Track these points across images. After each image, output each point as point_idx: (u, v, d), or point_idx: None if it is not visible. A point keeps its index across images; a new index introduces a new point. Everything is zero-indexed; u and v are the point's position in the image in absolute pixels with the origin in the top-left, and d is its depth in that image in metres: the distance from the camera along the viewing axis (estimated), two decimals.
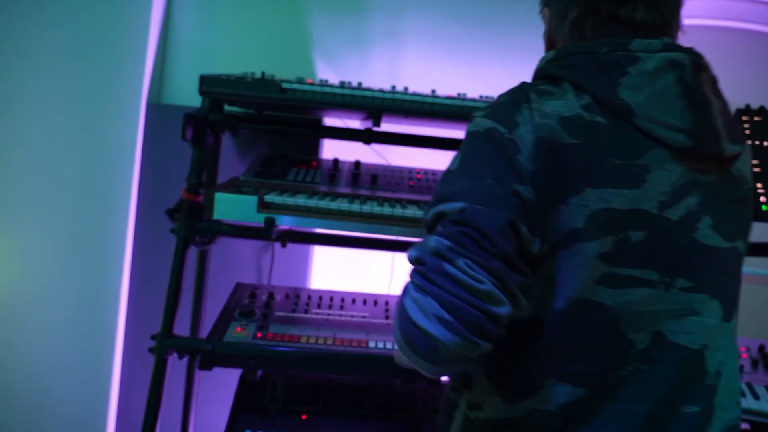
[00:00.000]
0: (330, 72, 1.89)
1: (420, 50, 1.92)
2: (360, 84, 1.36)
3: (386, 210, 1.26)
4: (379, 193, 1.48)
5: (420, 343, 0.62)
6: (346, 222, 1.26)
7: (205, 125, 1.42)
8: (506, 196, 0.66)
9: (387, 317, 1.38)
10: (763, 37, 2.23)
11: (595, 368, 0.69)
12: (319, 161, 1.66)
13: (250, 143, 1.83)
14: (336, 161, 1.63)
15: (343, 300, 1.44)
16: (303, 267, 1.85)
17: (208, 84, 1.33)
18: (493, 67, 1.93)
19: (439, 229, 0.67)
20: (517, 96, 0.73)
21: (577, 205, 0.68)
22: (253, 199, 1.25)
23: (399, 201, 1.39)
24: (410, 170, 1.66)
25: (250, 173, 1.51)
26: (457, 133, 1.65)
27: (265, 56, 1.91)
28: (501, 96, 0.77)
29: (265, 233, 1.26)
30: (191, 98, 1.84)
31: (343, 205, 1.26)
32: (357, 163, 1.63)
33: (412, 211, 1.26)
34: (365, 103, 1.33)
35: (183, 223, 1.38)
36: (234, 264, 1.79)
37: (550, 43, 0.87)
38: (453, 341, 0.61)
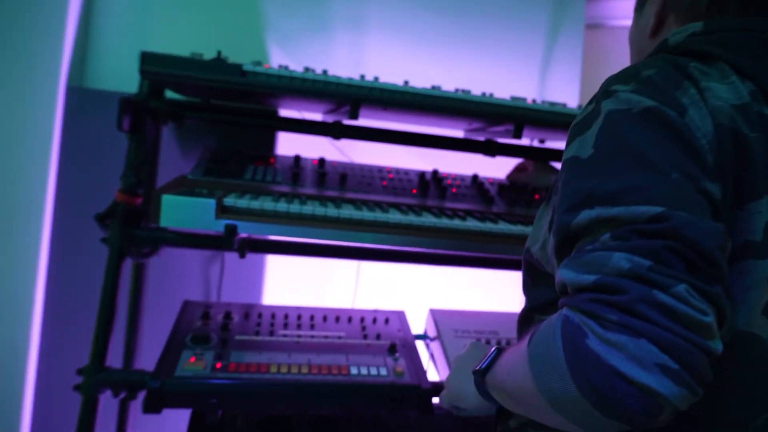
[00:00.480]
0: (286, 59, 1.68)
1: (386, 38, 1.76)
2: (325, 72, 1.19)
3: (385, 217, 1.10)
4: (350, 195, 1.31)
5: (632, 404, 0.45)
6: (324, 230, 1.08)
7: (146, 113, 1.19)
8: (697, 198, 0.52)
9: (365, 336, 1.21)
10: None
11: (743, 413, 0.57)
12: (278, 158, 1.46)
13: (192, 136, 1.59)
14: (298, 158, 1.44)
15: (312, 317, 1.25)
16: (255, 280, 1.64)
17: (151, 63, 1.09)
18: (463, 58, 1.81)
19: (611, 242, 0.51)
20: (671, 71, 0.60)
21: (754, 213, 0.55)
22: (210, 203, 1.04)
23: (379, 204, 1.23)
24: (380, 169, 1.50)
25: (198, 171, 1.28)
26: (431, 129, 1.51)
27: (208, 37, 1.68)
28: (640, 70, 0.63)
29: (225, 242, 1.06)
30: (121, 82, 1.58)
31: (329, 211, 1.08)
32: (321, 161, 1.44)
33: (421, 218, 1.11)
34: (343, 91, 1.16)
35: (118, 231, 1.14)
36: (175, 278, 1.55)
37: (660, 20, 0.75)
38: (680, 396, 0.45)
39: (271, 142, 1.61)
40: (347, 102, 1.18)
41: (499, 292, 1.88)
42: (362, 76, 1.25)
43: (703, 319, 0.46)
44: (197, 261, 1.57)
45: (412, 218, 1.11)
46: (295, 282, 1.71)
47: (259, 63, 1.24)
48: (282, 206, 1.08)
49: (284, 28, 1.69)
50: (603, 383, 0.46)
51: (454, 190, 1.44)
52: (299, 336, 1.17)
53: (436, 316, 1.31)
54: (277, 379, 1.02)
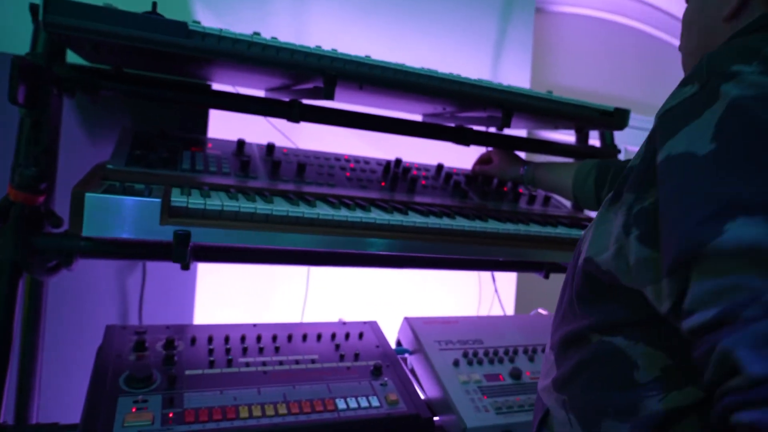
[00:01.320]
0: (214, 21, 1.41)
1: (330, 8, 1.54)
2: (275, 39, 0.97)
3: (387, 218, 0.92)
4: (313, 188, 1.10)
5: None
6: (302, 235, 0.88)
7: (48, 81, 0.89)
8: None
9: (342, 357, 1.03)
10: (644, 35, 2.33)
11: None
12: (215, 143, 1.21)
13: (98, 114, 1.28)
14: (242, 143, 1.20)
15: (275, 337, 1.04)
16: (185, 294, 1.36)
17: (59, 12, 0.80)
18: (413, 35, 1.64)
19: None
20: None
21: None
22: (153, 204, 0.79)
23: (366, 201, 1.04)
24: (337, 157, 1.31)
25: (120, 159, 1.00)
26: (385, 112, 1.34)
27: None
28: (760, 47, 0.52)
29: (176, 254, 0.81)
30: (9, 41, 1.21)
31: (315, 212, 0.87)
32: (270, 147, 1.21)
33: (427, 219, 0.93)
34: (323, 65, 0.95)
35: (12, 240, 0.84)
36: (79, 296, 1.23)
37: (745, 1, 0.63)
38: None
39: (200, 123, 1.34)
40: (319, 76, 0.97)
41: (456, 291, 1.77)
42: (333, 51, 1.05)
43: None
44: (109, 273, 1.26)
45: (416, 219, 0.94)
46: (230, 293, 1.46)
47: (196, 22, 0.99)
48: (248, 207, 0.85)
49: None
50: None
51: (423, 182, 1.29)
52: (265, 363, 0.95)
53: (415, 326, 1.15)
54: (250, 427, 0.81)
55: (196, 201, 0.83)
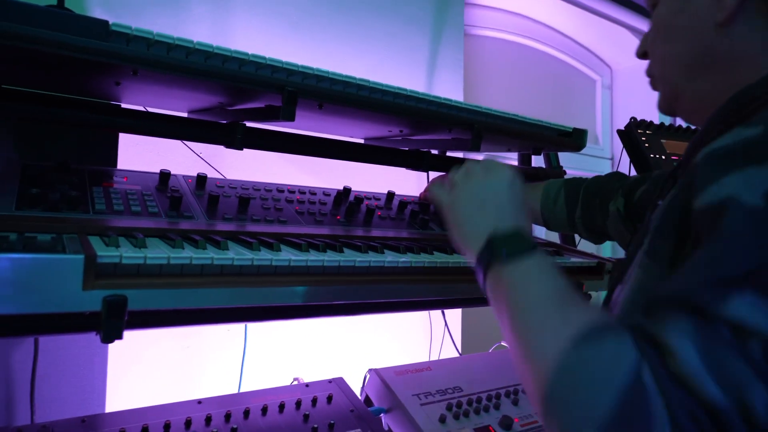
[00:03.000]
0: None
1: (254, 16, 1.38)
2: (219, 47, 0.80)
3: (381, 259, 0.77)
4: (265, 228, 0.92)
5: None
6: (277, 287, 0.70)
7: None
8: None
9: (314, 430, 0.85)
10: (552, 59, 2.40)
11: None
12: (131, 176, 0.98)
13: None
14: (166, 175, 0.98)
15: (228, 416, 0.83)
16: (90, 370, 1.07)
17: None
18: (345, 49, 1.52)
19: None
20: None
21: None
22: (74, 262, 0.58)
23: (331, 239, 0.87)
24: (279, 188, 1.13)
25: (7, 200, 0.75)
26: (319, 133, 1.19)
27: None
28: None
29: (107, 328, 0.60)
30: None
31: (294, 257, 0.70)
32: (201, 179, 1.01)
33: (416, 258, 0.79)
34: (283, 79, 0.78)
35: None
36: None
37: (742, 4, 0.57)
38: None
39: (107, 153, 1.10)
40: (274, 93, 0.81)
41: (401, 330, 1.64)
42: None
43: None
44: None
45: (407, 258, 0.80)
46: (149, 362, 1.20)
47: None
48: (201, 257, 0.66)
49: None
50: None
51: (379, 213, 1.16)
52: None
53: (387, 378, 1.01)
54: None
55: (132, 254, 0.62)
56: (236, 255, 0.69)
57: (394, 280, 0.82)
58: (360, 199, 1.15)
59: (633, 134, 1.37)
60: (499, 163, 0.69)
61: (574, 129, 1.19)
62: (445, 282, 0.87)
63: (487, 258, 0.57)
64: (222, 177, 1.23)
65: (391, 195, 1.26)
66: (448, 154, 1.24)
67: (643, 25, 2.26)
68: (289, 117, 0.81)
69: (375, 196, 1.26)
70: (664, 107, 0.70)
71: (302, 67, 0.82)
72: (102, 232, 0.73)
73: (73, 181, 0.87)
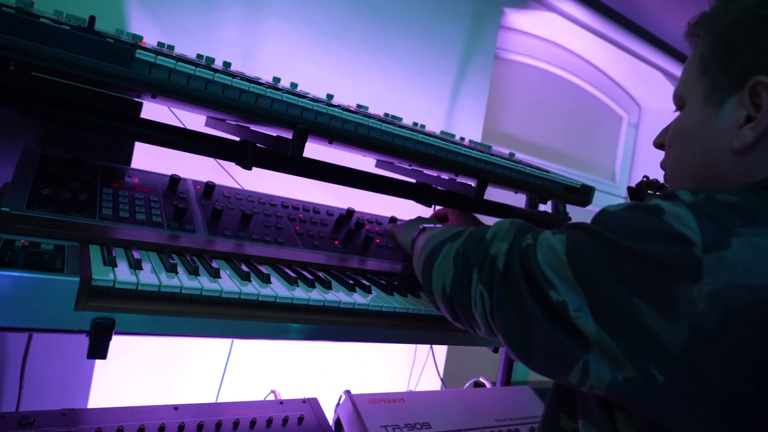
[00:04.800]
0: (153, 29, 1.21)
1: (284, 31, 1.39)
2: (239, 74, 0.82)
3: (378, 306, 0.80)
4: (261, 249, 0.95)
5: None
6: (258, 322, 0.73)
7: None
8: None
9: None
10: (580, 91, 2.38)
11: None
12: (142, 177, 1.02)
13: None
14: (175, 180, 1.01)
15: (201, 426, 0.87)
16: (78, 365, 1.11)
17: None
18: (369, 69, 1.53)
19: None
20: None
21: None
22: (70, 284, 0.61)
23: (322, 269, 0.90)
24: (284, 203, 1.16)
25: (20, 197, 0.79)
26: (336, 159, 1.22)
27: None
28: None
29: (94, 347, 0.63)
30: None
31: (280, 292, 0.73)
32: (209, 188, 1.04)
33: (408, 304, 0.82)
34: (284, 114, 0.81)
35: None
36: None
37: (759, 138, 0.59)
38: None
39: (125, 145, 1.13)
40: (288, 127, 0.83)
41: (387, 354, 1.67)
42: (277, 80, 0.90)
43: None
44: None
45: (382, 303, 0.83)
46: (135, 358, 1.24)
47: (136, 39, 0.82)
48: (191, 287, 0.69)
49: None
50: None
51: (377, 240, 1.18)
52: None
53: (359, 405, 1.04)
54: None
55: (125, 279, 0.65)
56: (224, 287, 0.72)
57: (376, 324, 0.85)
58: (361, 224, 1.18)
59: (642, 193, 1.37)
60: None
61: (582, 185, 1.19)
62: (425, 329, 0.90)
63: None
64: (233, 183, 1.27)
65: (393, 220, 1.29)
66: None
67: (677, 70, 2.23)
68: (298, 153, 0.83)
69: (378, 220, 1.28)
70: None
71: (317, 105, 0.84)
72: (104, 242, 0.77)
73: (86, 179, 0.91)
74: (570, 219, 1.44)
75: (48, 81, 0.80)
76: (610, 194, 2.49)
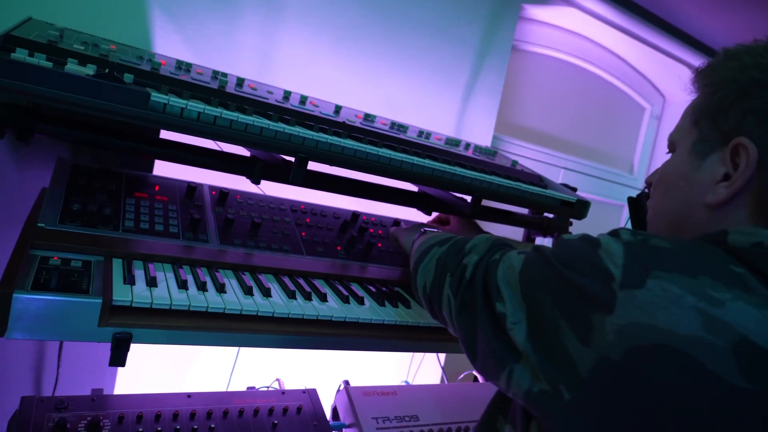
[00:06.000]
0: (174, 33, 1.28)
1: (300, 33, 1.44)
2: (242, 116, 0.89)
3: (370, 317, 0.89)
4: (267, 257, 1.04)
5: None
6: (258, 335, 0.83)
7: None
8: None
9: None
10: (601, 81, 2.36)
11: None
12: (162, 185, 1.11)
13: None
14: (192, 188, 1.11)
15: (210, 414, 0.99)
16: (105, 355, 1.24)
17: (9, 73, 0.69)
18: (384, 67, 1.58)
19: None
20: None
21: None
22: (93, 305, 0.71)
23: (321, 277, 0.99)
24: (293, 207, 1.24)
25: (53, 211, 0.90)
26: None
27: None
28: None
29: (115, 358, 0.74)
30: None
31: (278, 308, 0.82)
32: (223, 195, 1.13)
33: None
34: (287, 144, 0.88)
35: None
36: None
37: (733, 197, 0.63)
38: None
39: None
40: (290, 155, 0.91)
41: None
42: (290, 93, 0.97)
43: None
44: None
45: (373, 315, 0.92)
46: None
47: (152, 62, 0.90)
48: (199, 304, 0.79)
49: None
50: None
51: (379, 245, 1.26)
52: None
53: (354, 397, 1.14)
54: None
55: (141, 300, 0.75)
56: (228, 304, 0.82)
57: (368, 335, 0.94)
58: (364, 228, 1.26)
59: (641, 205, 1.39)
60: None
61: (578, 200, 1.24)
62: (413, 339, 0.98)
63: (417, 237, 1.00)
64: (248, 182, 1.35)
65: (396, 223, 1.36)
66: None
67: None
68: (299, 180, 0.91)
69: (382, 222, 1.35)
70: None
71: (317, 135, 0.91)
72: (125, 257, 0.87)
73: (111, 190, 1.01)
74: (571, 224, 1.49)
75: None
76: (627, 186, 2.49)
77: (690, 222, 0.67)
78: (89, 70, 0.80)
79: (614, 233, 0.59)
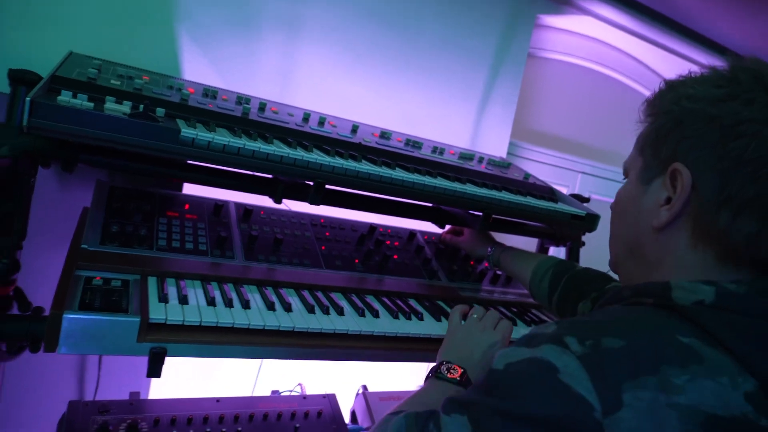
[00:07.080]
0: (200, 56, 1.36)
1: (321, 42, 1.51)
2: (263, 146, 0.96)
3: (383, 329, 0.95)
4: (288, 272, 1.11)
5: None
6: (279, 348, 0.90)
7: (30, 167, 0.86)
8: None
9: None
10: (620, 86, 2.37)
11: None
12: (192, 203, 1.19)
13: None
14: (219, 207, 1.19)
15: (237, 418, 1.07)
16: (134, 363, 1.34)
17: (43, 115, 0.77)
18: (401, 79, 1.63)
19: None
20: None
21: None
22: (132, 324, 0.79)
23: (339, 290, 1.05)
24: (313, 221, 1.31)
25: (95, 233, 0.98)
26: None
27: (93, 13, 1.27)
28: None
29: (151, 370, 0.82)
30: None
31: (298, 324, 0.89)
32: (248, 212, 1.21)
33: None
34: (305, 171, 0.95)
35: None
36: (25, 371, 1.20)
37: (674, 219, 0.65)
38: None
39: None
40: (308, 180, 0.98)
41: None
42: (308, 115, 1.03)
43: None
44: None
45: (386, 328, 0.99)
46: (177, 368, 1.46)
47: (181, 90, 0.97)
48: (225, 321, 0.87)
49: (202, 20, 1.35)
50: None
51: (395, 256, 1.32)
52: None
53: (371, 402, 1.21)
54: None
55: (174, 317, 0.83)
56: (252, 321, 0.89)
57: (382, 347, 1.00)
58: (380, 241, 1.32)
59: None
60: (498, 329, 0.92)
61: (587, 214, 1.27)
62: (426, 350, 1.04)
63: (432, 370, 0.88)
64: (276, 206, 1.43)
65: (412, 235, 1.42)
66: None
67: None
68: (316, 202, 0.98)
69: (398, 234, 1.42)
70: (611, 267, 0.80)
71: (333, 161, 0.98)
72: (159, 275, 0.95)
73: (146, 210, 1.09)
74: (584, 233, 1.52)
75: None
76: None
77: (640, 246, 0.70)
78: (125, 107, 0.88)
79: (558, 342, 0.55)
